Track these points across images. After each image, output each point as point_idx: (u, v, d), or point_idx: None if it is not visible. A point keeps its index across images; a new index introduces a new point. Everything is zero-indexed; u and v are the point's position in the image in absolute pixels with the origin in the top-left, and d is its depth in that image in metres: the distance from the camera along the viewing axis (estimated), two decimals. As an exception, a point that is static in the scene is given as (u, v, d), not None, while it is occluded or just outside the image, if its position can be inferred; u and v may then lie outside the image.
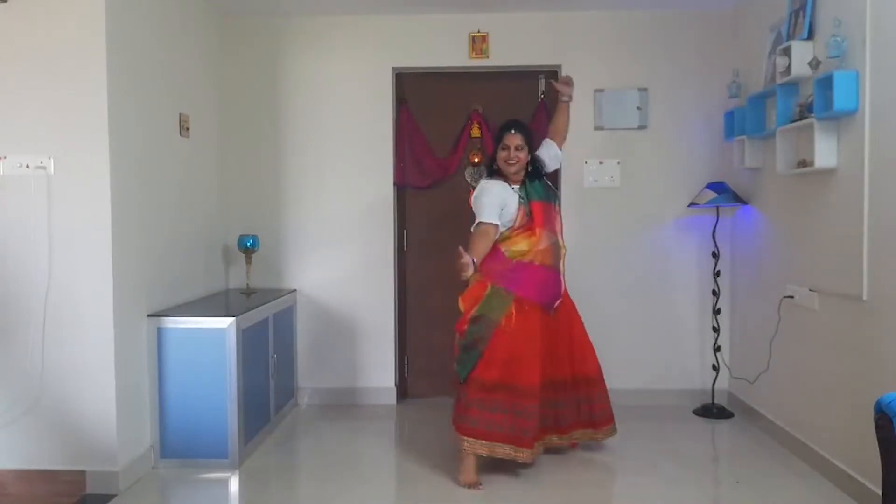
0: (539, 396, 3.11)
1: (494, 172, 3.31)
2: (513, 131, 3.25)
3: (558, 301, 3.27)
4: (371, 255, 4.37)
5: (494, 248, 3.18)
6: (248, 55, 4.36)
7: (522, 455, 3.07)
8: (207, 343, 3.28)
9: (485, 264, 3.14)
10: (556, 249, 3.24)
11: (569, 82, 3.54)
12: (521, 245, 3.18)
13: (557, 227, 3.31)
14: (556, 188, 3.71)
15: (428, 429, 3.90)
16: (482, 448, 3.07)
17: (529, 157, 3.29)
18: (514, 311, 3.13)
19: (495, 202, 3.17)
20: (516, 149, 3.23)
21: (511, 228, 3.21)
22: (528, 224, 3.20)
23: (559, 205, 3.43)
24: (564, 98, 3.53)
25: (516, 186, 3.26)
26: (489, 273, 3.16)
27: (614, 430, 3.43)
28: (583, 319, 3.42)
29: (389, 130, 4.36)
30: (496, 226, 3.16)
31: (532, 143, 3.31)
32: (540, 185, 3.32)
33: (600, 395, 3.38)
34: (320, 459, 3.50)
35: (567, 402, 3.31)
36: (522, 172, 3.29)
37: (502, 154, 3.25)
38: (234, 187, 4.38)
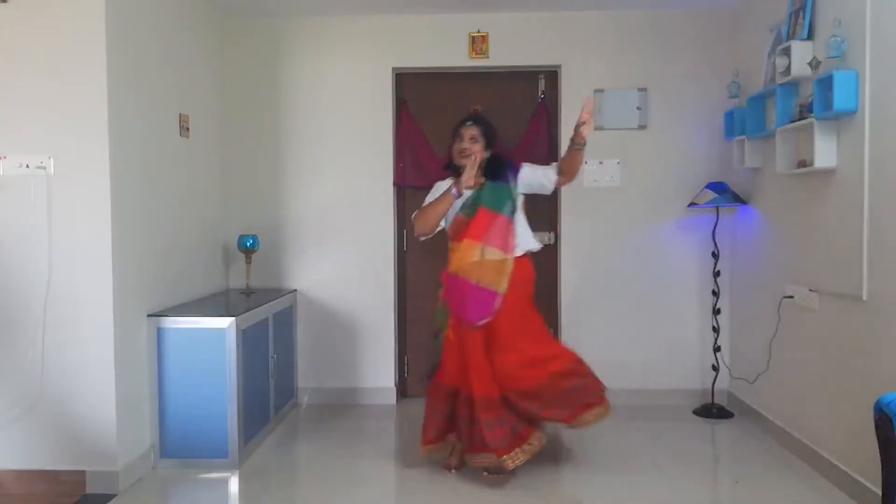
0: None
1: (453, 169, 3.27)
2: (469, 123, 3.22)
3: (484, 320, 3.04)
4: (371, 255, 4.37)
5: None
6: (248, 55, 4.36)
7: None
8: (207, 343, 3.28)
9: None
10: (497, 265, 3.03)
11: (588, 118, 3.03)
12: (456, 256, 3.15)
13: (505, 242, 3.07)
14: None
15: (428, 429, 3.89)
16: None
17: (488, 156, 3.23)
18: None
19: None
20: (470, 139, 3.18)
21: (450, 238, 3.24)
22: (459, 234, 3.17)
23: (515, 216, 3.15)
24: (577, 147, 3.09)
25: (467, 191, 3.16)
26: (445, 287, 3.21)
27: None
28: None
29: (389, 130, 4.36)
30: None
31: (493, 140, 3.25)
32: (496, 191, 3.15)
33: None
34: (320, 459, 3.50)
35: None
36: (478, 174, 3.17)
37: (456, 146, 3.22)
38: (234, 187, 4.38)
